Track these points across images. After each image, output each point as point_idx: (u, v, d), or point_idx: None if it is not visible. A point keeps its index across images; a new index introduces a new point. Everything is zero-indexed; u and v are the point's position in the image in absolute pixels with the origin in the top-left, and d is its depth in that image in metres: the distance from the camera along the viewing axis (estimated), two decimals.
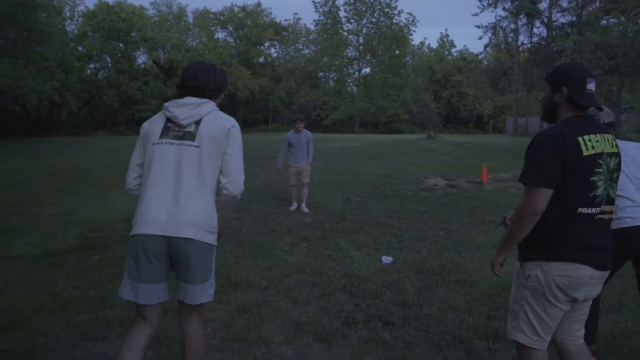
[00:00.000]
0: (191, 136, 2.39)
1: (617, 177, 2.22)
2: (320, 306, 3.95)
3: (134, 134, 39.90)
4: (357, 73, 55.41)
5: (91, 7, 44.48)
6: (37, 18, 23.44)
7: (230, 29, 54.99)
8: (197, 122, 2.41)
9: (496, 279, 4.56)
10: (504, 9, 40.71)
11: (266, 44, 56.27)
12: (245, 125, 48.74)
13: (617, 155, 2.21)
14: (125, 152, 18.05)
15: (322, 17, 52.83)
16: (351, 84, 56.75)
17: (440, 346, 3.25)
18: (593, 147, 2.08)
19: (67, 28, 41.48)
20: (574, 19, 35.61)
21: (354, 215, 8.09)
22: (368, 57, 54.09)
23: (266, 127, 47.07)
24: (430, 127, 44.36)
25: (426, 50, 64.94)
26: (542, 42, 39.15)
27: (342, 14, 52.66)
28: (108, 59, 44.42)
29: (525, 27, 41.07)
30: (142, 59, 48.43)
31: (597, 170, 2.09)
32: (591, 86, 2.16)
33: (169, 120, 2.45)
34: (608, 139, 2.17)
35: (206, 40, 51.96)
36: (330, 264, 5.12)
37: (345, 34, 53.54)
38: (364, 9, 51.60)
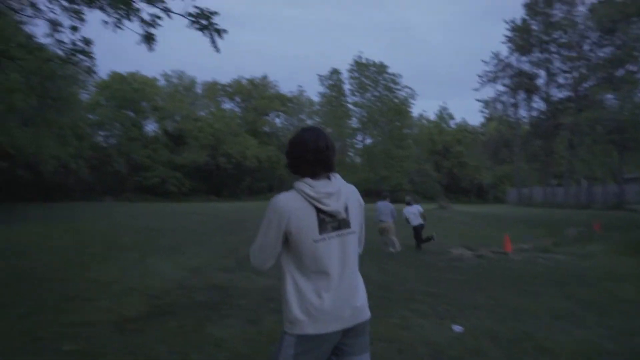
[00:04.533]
0: (346, 223, 2.26)
1: None
2: None
3: (139, 200, 40.30)
4: (360, 144, 56.97)
5: (105, 77, 46.37)
6: (61, 87, 24.48)
7: (238, 99, 56.94)
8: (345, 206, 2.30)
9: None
10: (503, 84, 42.70)
11: (271, 114, 58.08)
12: (252, 193, 49.47)
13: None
14: (144, 218, 18.20)
15: (327, 90, 55.02)
16: (353, 154, 58.12)
17: None
18: None
19: (80, 97, 42.92)
20: (572, 94, 37.28)
21: (398, 285, 8.26)
22: (370, 128, 55.80)
23: (271, 194, 47.59)
24: (436, 197, 45.04)
25: (425, 122, 66.98)
26: (542, 116, 40.68)
27: (346, 87, 54.96)
28: (119, 126, 45.70)
29: (524, 101, 42.85)
30: (150, 127, 49.86)
31: None
32: None
33: (320, 211, 2.19)
34: None
35: (214, 110, 53.65)
36: (402, 333, 5.26)
37: (350, 105, 55.57)
38: (368, 82, 53.86)
